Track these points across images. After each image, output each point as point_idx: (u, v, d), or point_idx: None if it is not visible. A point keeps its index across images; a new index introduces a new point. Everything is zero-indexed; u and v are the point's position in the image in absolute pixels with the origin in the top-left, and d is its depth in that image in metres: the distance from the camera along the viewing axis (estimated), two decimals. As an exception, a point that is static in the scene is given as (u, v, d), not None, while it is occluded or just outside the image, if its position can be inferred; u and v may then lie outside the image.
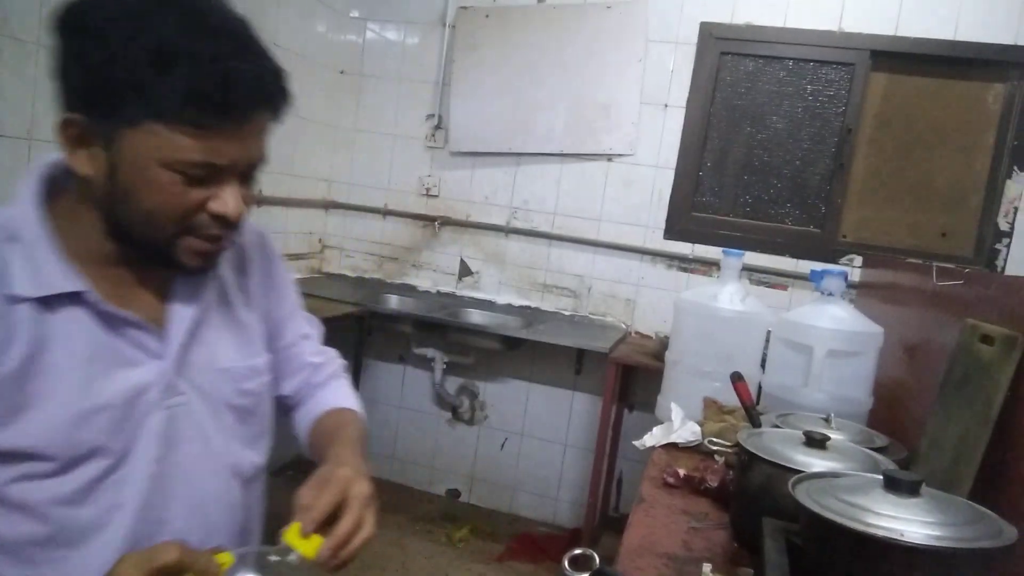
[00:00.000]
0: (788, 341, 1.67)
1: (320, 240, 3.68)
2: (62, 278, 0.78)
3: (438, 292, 3.55)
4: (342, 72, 3.56)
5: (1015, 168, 2.89)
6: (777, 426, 1.34)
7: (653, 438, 1.65)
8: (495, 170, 3.43)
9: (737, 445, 1.19)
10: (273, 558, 0.72)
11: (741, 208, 3.21)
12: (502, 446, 3.52)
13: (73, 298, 0.78)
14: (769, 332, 1.79)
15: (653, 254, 3.25)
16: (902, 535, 0.77)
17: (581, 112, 3.25)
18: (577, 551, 0.82)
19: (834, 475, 0.96)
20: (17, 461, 0.76)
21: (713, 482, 1.37)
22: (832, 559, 0.83)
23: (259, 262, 1.02)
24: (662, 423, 1.73)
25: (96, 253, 0.82)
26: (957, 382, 1.23)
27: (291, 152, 3.27)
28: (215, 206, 0.79)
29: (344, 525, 0.76)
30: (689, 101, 3.16)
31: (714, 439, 1.54)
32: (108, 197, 0.78)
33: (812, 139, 3.11)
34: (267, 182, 3.10)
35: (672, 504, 1.35)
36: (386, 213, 3.60)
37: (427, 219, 3.54)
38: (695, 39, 3.12)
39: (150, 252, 0.81)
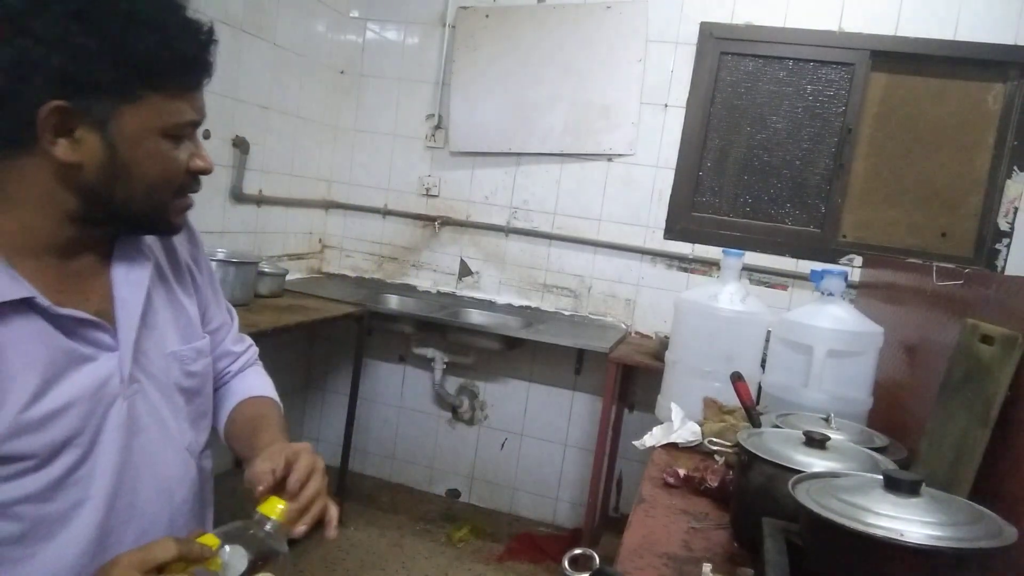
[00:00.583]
0: (788, 341, 1.67)
1: (320, 240, 3.68)
2: (8, 286, 0.75)
3: (438, 292, 3.55)
4: (342, 72, 3.56)
5: (1015, 168, 2.89)
6: (777, 426, 1.34)
7: (653, 438, 1.65)
8: (495, 170, 3.43)
9: (737, 445, 1.19)
10: (252, 531, 0.79)
11: (741, 208, 3.21)
12: (502, 446, 3.52)
13: (21, 304, 0.76)
14: (769, 332, 1.79)
15: (653, 254, 3.26)
16: (902, 535, 0.77)
17: (581, 112, 3.25)
18: (577, 551, 0.82)
19: (834, 475, 0.96)
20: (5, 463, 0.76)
21: (713, 482, 1.37)
22: (832, 559, 0.83)
23: (186, 244, 1.03)
24: (662, 423, 1.73)
25: (39, 245, 0.80)
26: (957, 382, 1.23)
27: (291, 152, 3.25)
28: (197, 163, 0.86)
29: (293, 479, 0.84)
30: (689, 101, 3.16)
31: (714, 439, 1.54)
32: (103, 178, 0.78)
33: (812, 139, 3.11)
34: (267, 182, 3.10)
35: (672, 504, 1.34)
36: (386, 213, 3.60)
37: (427, 219, 3.54)
38: (695, 39, 3.13)
39: (145, 222, 0.86)
